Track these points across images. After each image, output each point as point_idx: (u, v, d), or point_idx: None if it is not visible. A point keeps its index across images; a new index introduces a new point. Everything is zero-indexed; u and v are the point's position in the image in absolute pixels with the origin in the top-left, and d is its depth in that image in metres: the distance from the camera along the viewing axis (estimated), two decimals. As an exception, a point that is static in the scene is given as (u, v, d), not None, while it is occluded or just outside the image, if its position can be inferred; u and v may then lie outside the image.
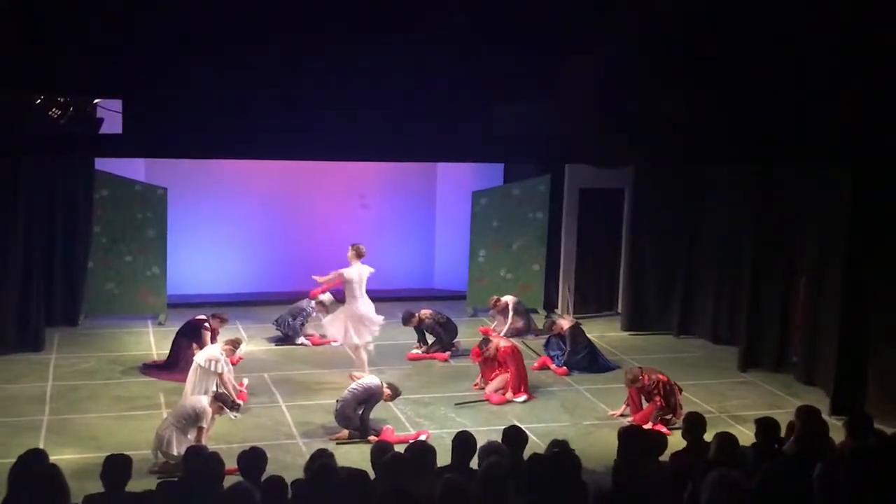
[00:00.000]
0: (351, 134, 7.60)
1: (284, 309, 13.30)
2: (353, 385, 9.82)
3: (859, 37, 7.69)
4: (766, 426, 6.97)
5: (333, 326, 11.55)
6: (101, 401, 10.54)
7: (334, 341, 12.27)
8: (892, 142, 8.88)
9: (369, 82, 7.27)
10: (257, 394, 10.87)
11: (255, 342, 13.02)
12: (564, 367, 11.96)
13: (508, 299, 13.63)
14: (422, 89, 7.40)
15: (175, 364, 11.26)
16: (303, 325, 13.07)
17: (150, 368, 11.58)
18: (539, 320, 13.90)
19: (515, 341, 12.12)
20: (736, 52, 7.68)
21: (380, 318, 11.60)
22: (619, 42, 7.29)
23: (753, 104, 8.12)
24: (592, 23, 7.27)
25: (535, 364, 12.01)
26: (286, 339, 13.00)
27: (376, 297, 14.94)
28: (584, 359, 12.11)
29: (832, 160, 10.19)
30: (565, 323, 12.57)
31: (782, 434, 7.16)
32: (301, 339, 12.97)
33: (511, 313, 13.50)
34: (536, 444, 8.34)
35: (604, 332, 14.04)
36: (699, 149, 8.88)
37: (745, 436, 8.11)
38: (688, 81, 7.84)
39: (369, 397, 9.62)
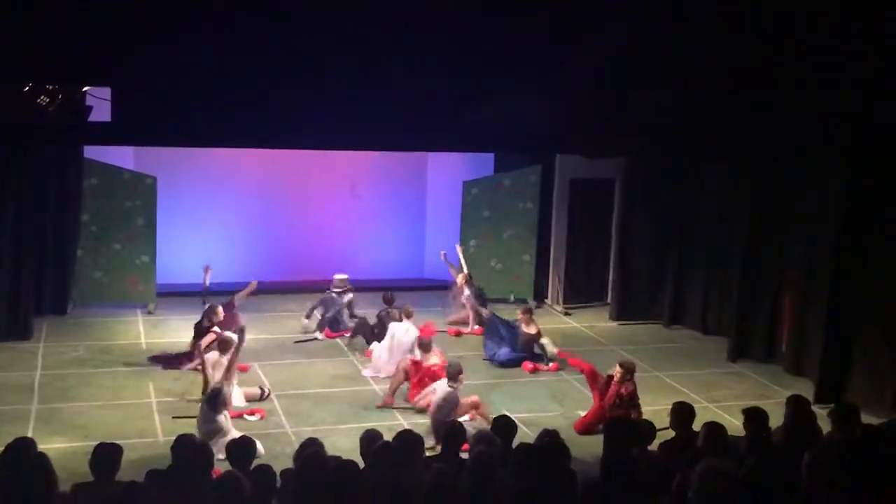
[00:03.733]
0: (341, 123, 7.58)
1: (278, 298, 13.26)
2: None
3: (854, 32, 7.70)
4: (753, 416, 7.00)
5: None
6: (89, 390, 10.51)
7: (347, 333, 12.68)
8: (885, 136, 8.91)
9: (361, 72, 7.25)
10: (248, 383, 10.85)
11: (247, 331, 12.95)
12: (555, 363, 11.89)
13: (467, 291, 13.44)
14: (412, 79, 7.39)
15: (191, 357, 11.16)
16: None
17: (170, 360, 11.42)
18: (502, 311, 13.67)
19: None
20: (729, 46, 7.68)
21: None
22: (612, 33, 7.29)
23: (747, 98, 8.13)
24: (586, 13, 7.27)
25: (529, 368, 11.80)
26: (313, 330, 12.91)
27: (366, 286, 14.98)
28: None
29: (824, 155, 10.22)
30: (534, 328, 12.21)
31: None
32: (319, 334, 12.89)
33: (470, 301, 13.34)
34: (526, 433, 8.36)
35: (593, 323, 14.07)
36: (691, 142, 8.89)
37: (734, 425, 8.14)
38: (681, 74, 7.85)
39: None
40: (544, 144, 10.09)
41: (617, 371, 9.83)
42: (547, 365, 11.81)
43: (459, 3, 6.98)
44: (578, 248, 15.00)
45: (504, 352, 11.89)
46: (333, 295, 12.94)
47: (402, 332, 11.24)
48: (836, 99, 8.19)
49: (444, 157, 15.27)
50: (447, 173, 15.39)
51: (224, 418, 8.90)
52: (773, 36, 7.61)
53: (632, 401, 9.76)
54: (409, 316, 11.52)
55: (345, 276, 13.10)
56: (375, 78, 7.27)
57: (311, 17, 6.86)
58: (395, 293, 13.06)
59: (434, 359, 10.47)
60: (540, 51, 7.37)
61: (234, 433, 8.43)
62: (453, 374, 9.44)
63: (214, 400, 8.88)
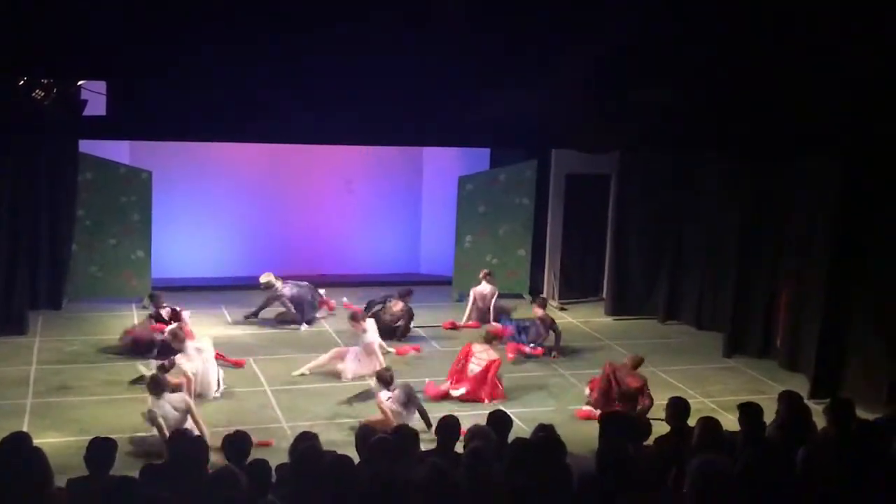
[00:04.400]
0: (338, 117, 7.58)
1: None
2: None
3: (851, 29, 7.70)
4: (748, 411, 7.01)
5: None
6: (84, 384, 10.50)
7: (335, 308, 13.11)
8: (881, 132, 8.92)
9: (358, 67, 7.24)
10: (242, 377, 10.86)
11: (239, 327, 13.00)
12: (541, 348, 11.98)
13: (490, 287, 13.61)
14: (410, 74, 7.38)
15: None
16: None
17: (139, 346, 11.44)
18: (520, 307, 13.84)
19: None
20: (726, 43, 7.68)
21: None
22: (611, 32, 7.29)
23: (746, 98, 8.13)
24: (585, 12, 7.26)
25: (509, 355, 11.81)
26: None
27: (362, 281, 14.99)
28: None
29: (823, 154, 10.23)
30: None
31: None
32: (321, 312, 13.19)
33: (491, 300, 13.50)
34: (521, 428, 8.37)
35: (589, 318, 14.08)
36: (690, 139, 8.90)
37: (729, 421, 8.16)
38: (680, 73, 7.85)
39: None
40: (543, 140, 10.10)
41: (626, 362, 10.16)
42: (529, 346, 11.94)
43: (459, 3, 6.98)
44: (574, 244, 15.01)
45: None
46: (297, 289, 13.01)
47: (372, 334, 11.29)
48: (836, 99, 8.21)
49: (440, 153, 15.26)
50: (443, 168, 15.39)
51: (167, 404, 8.70)
52: (773, 36, 7.61)
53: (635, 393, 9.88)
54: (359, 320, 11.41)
55: (270, 273, 13.07)
56: (370, 74, 7.27)
57: (310, 15, 6.85)
58: (390, 288, 13.18)
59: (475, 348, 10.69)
60: (539, 49, 7.37)
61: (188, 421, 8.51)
62: (388, 379, 9.37)
63: (154, 384, 8.71)
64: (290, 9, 6.77)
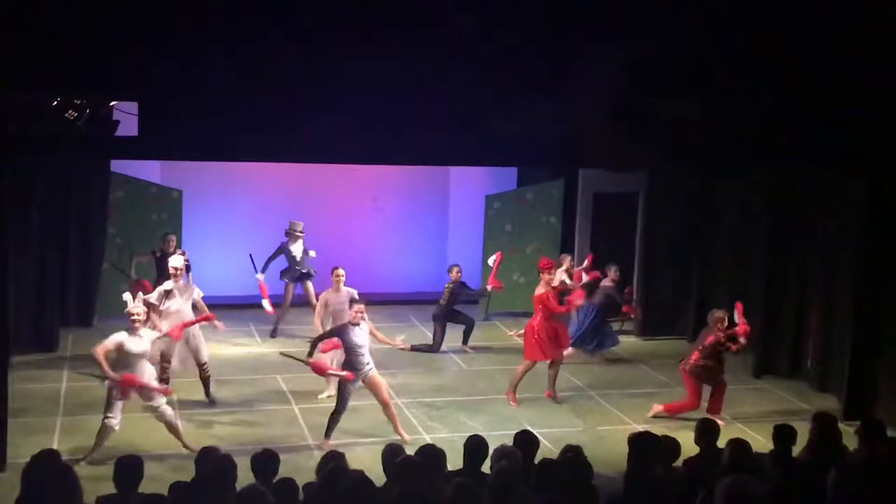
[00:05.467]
0: (365, 137, 7.62)
1: (301, 312, 13.45)
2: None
3: (877, 45, 7.67)
4: (782, 433, 6.94)
5: None
6: (114, 402, 10.55)
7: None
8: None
9: (383, 86, 7.29)
10: (270, 395, 10.90)
11: (267, 344, 13.05)
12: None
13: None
14: (434, 92, 7.42)
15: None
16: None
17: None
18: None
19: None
20: (751, 58, 7.67)
21: None
22: (633, 46, 7.30)
23: (768, 110, 8.10)
24: (607, 27, 7.28)
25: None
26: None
27: (389, 300, 14.98)
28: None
29: (846, 167, 10.16)
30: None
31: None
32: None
33: None
34: (548, 448, 8.33)
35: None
36: (713, 153, 8.87)
37: (759, 442, 8.08)
38: (703, 86, 7.84)
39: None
40: (566, 159, 10.10)
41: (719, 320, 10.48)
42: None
43: (480, 17, 7.03)
44: (601, 263, 14.92)
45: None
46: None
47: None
48: (859, 110, 8.16)
49: (467, 171, 15.28)
50: (470, 187, 15.40)
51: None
52: (794, 48, 7.60)
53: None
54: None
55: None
56: (396, 92, 7.33)
57: (333, 32, 6.91)
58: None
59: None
60: (560, 63, 7.40)
61: None
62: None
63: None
64: (318, 30, 6.84)
